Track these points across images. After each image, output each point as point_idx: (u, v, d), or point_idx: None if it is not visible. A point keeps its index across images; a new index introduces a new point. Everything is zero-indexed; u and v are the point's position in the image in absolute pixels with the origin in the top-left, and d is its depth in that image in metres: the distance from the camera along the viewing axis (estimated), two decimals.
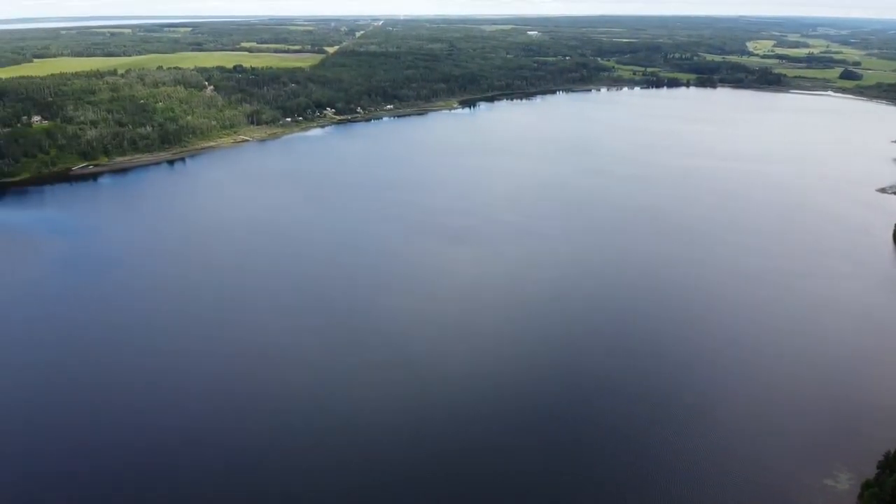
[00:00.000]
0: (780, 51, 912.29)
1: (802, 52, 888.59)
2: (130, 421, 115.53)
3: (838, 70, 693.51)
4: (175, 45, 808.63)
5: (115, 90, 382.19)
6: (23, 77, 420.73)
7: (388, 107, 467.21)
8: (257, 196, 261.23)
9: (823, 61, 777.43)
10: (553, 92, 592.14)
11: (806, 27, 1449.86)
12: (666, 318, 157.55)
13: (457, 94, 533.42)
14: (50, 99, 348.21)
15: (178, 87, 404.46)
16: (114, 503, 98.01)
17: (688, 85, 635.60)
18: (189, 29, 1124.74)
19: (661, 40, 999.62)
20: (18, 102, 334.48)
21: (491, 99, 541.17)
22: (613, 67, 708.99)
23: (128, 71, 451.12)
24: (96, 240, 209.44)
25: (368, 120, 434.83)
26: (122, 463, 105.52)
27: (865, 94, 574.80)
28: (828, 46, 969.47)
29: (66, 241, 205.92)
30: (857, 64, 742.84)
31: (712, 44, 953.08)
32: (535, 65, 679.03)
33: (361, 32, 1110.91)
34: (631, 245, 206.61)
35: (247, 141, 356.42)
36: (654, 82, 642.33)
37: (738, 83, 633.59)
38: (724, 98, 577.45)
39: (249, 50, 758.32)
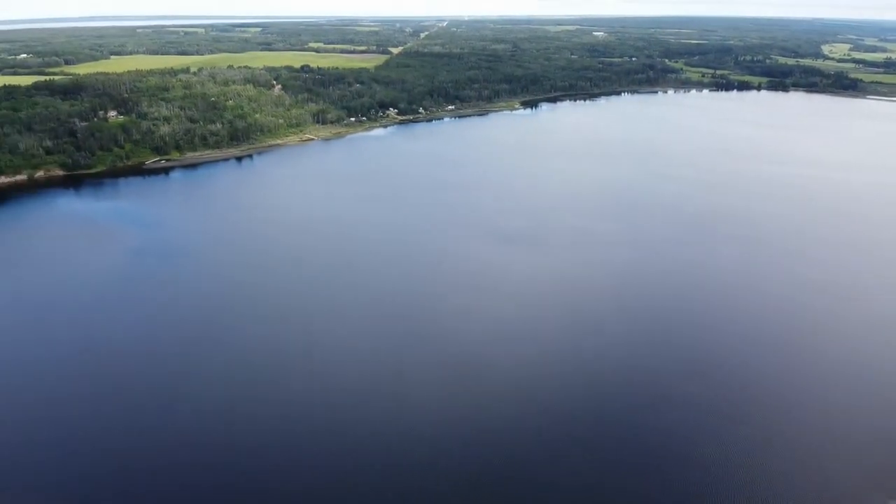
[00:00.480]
0: (856, 55, 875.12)
1: (880, 56, 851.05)
2: (213, 397, 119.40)
3: None
4: (245, 45, 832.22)
5: (188, 88, 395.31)
6: (100, 73, 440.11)
7: (450, 107, 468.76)
8: (320, 194, 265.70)
9: None
10: (618, 93, 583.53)
11: (884, 31, 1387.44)
12: (732, 332, 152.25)
13: (519, 94, 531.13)
14: (126, 95, 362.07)
15: (248, 86, 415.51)
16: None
17: (759, 88, 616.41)
18: (259, 29, 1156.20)
19: (731, 42, 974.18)
20: (96, 98, 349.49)
21: (553, 100, 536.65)
22: (681, 69, 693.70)
23: (200, 69, 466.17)
24: (167, 231, 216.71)
25: (430, 120, 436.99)
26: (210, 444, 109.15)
27: None
28: None
29: (139, 232, 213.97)
30: None
31: (785, 46, 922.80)
32: (600, 65, 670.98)
33: (426, 33, 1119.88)
34: (697, 252, 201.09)
35: (312, 140, 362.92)
36: (723, 85, 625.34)
37: (811, 87, 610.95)
38: (797, 102, 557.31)
39: (317, 50, 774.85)
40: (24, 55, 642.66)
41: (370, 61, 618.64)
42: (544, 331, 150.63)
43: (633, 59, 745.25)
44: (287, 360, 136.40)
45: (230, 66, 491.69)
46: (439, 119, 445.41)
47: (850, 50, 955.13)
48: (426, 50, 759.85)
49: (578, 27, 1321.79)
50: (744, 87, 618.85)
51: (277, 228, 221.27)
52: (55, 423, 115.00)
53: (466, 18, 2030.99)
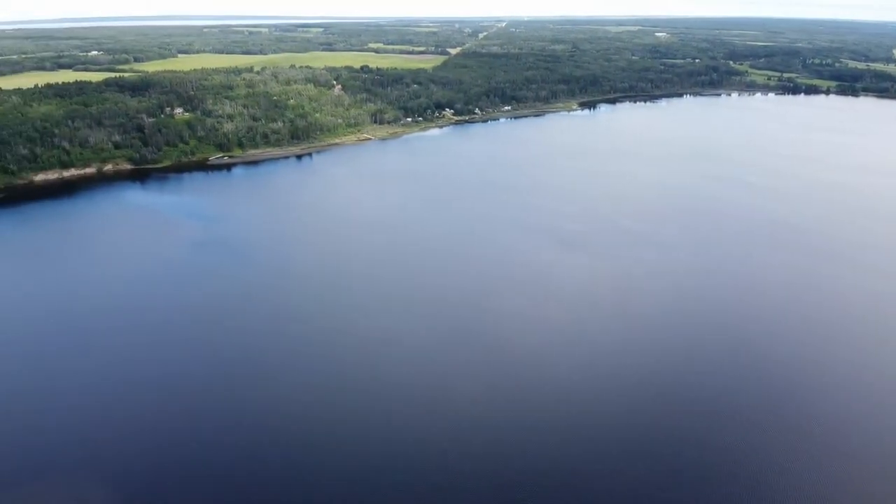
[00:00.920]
0: None
1: None
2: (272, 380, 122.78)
3: None
4: (307, 45, 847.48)
5: (251, 86, 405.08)
6: (167, 71, 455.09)
7: (506, 108, 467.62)
8: (376, 193, 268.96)
9: None
10: (679, 95, 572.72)
11: None
12: (795, 341, 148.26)
13: (577, 95, 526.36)
14: (192, 92, 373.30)
15: (309, 86, 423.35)
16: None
17: (827, 92, 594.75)
18: (321, 29, 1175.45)
19: (799, 44, 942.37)
20: (163, 95, 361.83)
21: (613, 101, 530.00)
22: (746, 72, 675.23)
23: (263, 68, 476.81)
24: (228, 226, 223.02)
25: (486, 121, 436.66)
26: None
27: None
28: None
29: (201, 225, 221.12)
30: None
31: (856, 50, 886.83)
32: (662, 67, 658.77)
33: (485, 34, 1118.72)
34: (759, 261, 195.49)
35: (369, 139, 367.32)
36: (789, 88, 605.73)
37: (882, 92, 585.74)
38: (868, 108, 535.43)
39: (376, 51, 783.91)
40: (96, 52, 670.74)
41: (428, 62, 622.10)
42: (596, 337, 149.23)
43: (696, 60, 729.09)
44: (338, 354, 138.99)
45: (292, 66, 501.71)
46: (495, 120, 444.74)
47: None
48: (484, 50, 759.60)
49: (640, 27, 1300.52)
50: (811, 90, 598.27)
51: (334, 226, 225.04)
52: (126, 399, 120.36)
53: (526, 19, 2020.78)
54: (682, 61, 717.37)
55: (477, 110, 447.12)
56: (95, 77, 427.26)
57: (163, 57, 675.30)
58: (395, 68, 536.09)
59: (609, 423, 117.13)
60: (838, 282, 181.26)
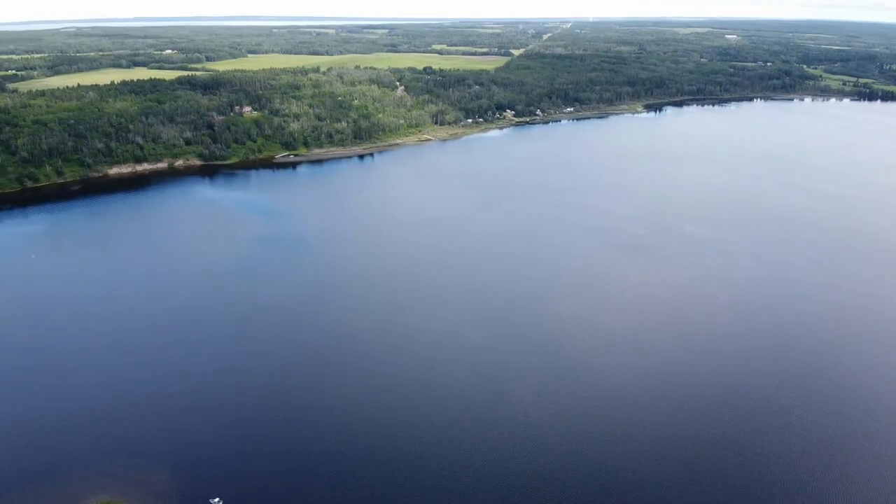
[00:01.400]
0: None
1: None
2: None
3: None
4: (372, 46, 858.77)
5: (317, 86, 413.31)
6: (237, 70, 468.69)
7: (568, 109, 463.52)
8: (437, 193, 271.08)
9: None
10: (749, 99, 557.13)
11: None
12: (864, 352, 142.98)
13: (642, 97, 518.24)
14: (260, 92, 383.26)
15: (373, 86, 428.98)
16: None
17: None
18: (386, 31, 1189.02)
19: (876, 49, 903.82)
20: (233, 93, 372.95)
21: (679, 104, 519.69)
22: (820, 76, 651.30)
23: (329, 69, 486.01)
24: (292, 222, 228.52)
25: (547, 122, 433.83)
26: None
27: None
28: None
29: (266, 222, 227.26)
30: None
31: None
32: (732, 70, 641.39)
33: (549, 35, 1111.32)
34: (829, 269, 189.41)
35: (430, 140, 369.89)
36: (866, 94, 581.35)
37: None
38: None
39: (440, 52, 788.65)
40: (169, 51, 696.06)
41: (491, 63, 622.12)
42: (653, 345, 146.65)
43: (769, 63, 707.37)
44: (396, 351, 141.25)
45: (357, 67, 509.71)
46: (557, 121, 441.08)
47: None
48: (547, 52, 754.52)
49: (709, 29, 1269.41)
50: (889, 97, 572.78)
51: (395, 225, 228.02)
52: (191, 377, 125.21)
53: (591, 20, 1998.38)
54: (752, 64, 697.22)
55: (538, 112, 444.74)
56: (169, 75, 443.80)
57: (233, 56, 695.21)
58: (458, 69, 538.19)
59: (663, 434, 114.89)
60: None
